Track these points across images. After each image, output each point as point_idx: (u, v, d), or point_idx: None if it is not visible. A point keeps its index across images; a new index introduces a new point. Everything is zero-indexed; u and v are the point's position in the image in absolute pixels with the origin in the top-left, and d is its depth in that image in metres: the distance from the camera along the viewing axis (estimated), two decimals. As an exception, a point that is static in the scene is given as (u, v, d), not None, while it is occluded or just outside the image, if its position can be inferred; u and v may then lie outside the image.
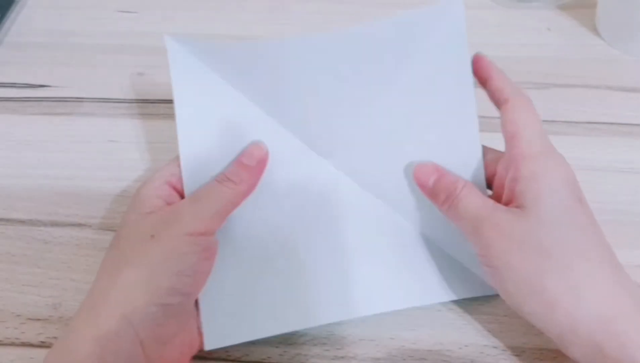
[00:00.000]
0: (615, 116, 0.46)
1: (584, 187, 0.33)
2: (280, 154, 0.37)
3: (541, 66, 0.49)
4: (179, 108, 0.35)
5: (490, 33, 0.52)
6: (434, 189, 0.35)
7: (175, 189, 0.35)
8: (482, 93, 0.35)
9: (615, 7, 0.49)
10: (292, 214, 0.37)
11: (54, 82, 0.50)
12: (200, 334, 0.34)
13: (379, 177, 0.37)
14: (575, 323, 0.29)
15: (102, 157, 0.45)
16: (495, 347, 0.36)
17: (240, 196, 0.35)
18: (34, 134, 0.47)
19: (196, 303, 0.34)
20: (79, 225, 0.42)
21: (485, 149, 0.36)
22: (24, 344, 0.37)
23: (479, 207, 0.33)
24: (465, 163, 0.35)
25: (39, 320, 0.38)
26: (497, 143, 0.35)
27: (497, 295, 0.36)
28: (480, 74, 0.35)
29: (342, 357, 0.36)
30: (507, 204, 0.33)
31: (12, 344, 0.37)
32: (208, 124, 0.36)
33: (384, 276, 0.36)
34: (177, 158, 0.35)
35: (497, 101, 0.35)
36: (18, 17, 0.56)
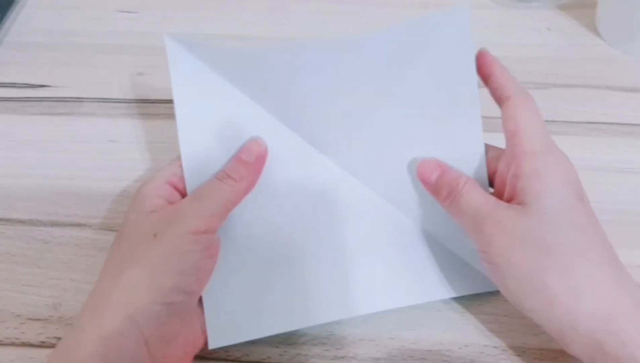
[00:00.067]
0: (615, 116, 0.46)
1: (584, 187, 0.33)
2: (282, 152, 0.37)
3: (541, 66, 0.49)
4: (178, 107, 0.35)
5: (490, 33, 0.52)
6: (437, 185, 0.35)
7: (176, 188, 0.35)
8: (483, 94, 0.35)
9: (615, 7, 0.49)
10: (293, 213, 0.37)
11: (54, 82, 0.50)
12: (203, 332, 0.34)
13: (381, 173, 0.38)
14: (576, 321, 0.29)
15: (102, 157, 0.45)
16: (495, 347, 0.36)
17: (241, 193, 0.35)
18: (34, 134, 0.47)
19: (199, 301, 0.34)
20: (79, 225, 0.42)
21: (487, 147, 0.36)
22: (24, 344, 0.37)
23: (480, 203, 0.33)
24: (468, 161, 0.35)
25: (39, 320, 0.38)
26: (498, 142, 0.35)
27: (497, 295, 0.36)
28: (483, 71, 0.35)
29: (342, 357, 0.36)
30: (508, 201, 0.33)
31: (12, 344, 0.37)
32: (208, 122, 0.36)
33: (385, 274, 0.37)
34: (178, 158, 0.35)
35: (499, 98, 0.35)
36: (18, 17, 0.56)
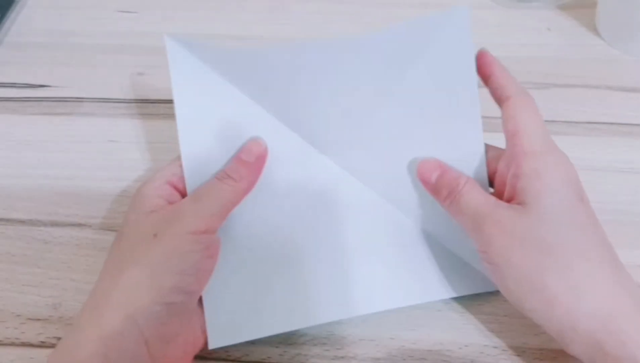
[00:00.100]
0: (615, 116, 0.46)
1: (584, 187, 0.33)
2: (282, 152, 0.37)
3: (541, 66, 0.49)
4: (178, 107, 0.35)
5: (490, 33, 0.52)
6: (437, 185, 0.35)
7: (176, 188, 0.35)
8: (483, 94, 0.35)
9: (615, 7, 0.49)
10: (293, 213, 0.37)
11: (54, 82, 0.50)
12: (203, 332, 0.34)
13: (381, 173, 0.38)
14: (576, 321, 0.29)
15: (102, 157, 0.45)
16: (495, 347, 0.36)
17: (241, 193, 0.35)
18: (34, 134, 0.47)
19: (199, 302, 0.34)
20: (79, 225, 0.42)
21: (487, 147, 0.36)
22: (23, 344, 0.37)
23: (480, 203, 0.33)
24: (468, 161, 0.35)
25: (38, 320, 0.38)
26: (498, 142, 0.35)
27: (497, 295, 0.36)
28: (483, 71, 0.35)
29: (342, 357, 0.36)
30: (508, 201, 0.33)
31: (12, 344, 0.37)
32: (208, 122, 0.36)
33: (385, 274, 0.37)
34: (178, 158, 0.35)
35: (499, 98, 0.35)
36: (18, 17, 0.56)
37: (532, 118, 0.33)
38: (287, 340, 0.36)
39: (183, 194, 0.35)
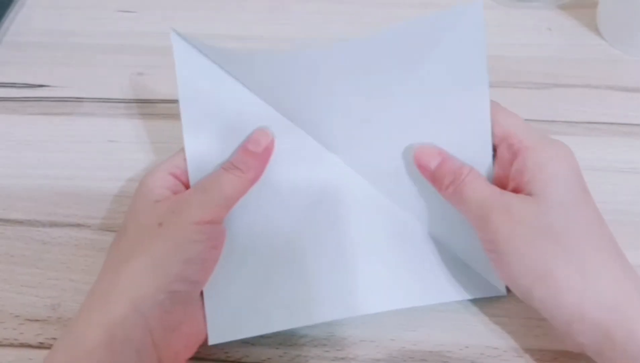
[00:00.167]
0: (616, 116, 0.46)
1: (585, 187, 0.33)
2: (287, 149, 0.37)
3: (541, 66, 0.49)
4: (183, 100, 0.35)
5: (490, 33, 0.51)
6: (436, 173, 0.35)
7: (179, 180, 0.35)
8: (495, 94, 0.35)
9: (616, 7, 0.49)
10: (296, 210, 0.37)
11: (53, 82, 0.50)
12: (206, 324, 0.34)
13: (388, 171, 0.37)
14: (584, 310, 0.29)
15: (102, 157, 0.45)
16: (495, 348, 0.36)
17: (248, 184, 0.35)
18: (34, 134, 0.47)
19: (202, 294, 0.34)
20: (78, 226, 0.42)
21: None
22: (22, 345, 0.37)
23: (486, 192, 0.33)
24: (475, 161, 0.35)
25: (37, 320, 0.37)
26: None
27: (498, 297, 0.36)
28: None
29: (343, 358, 0.36)
30: None
31: (11, 345, 0.37)
32: (212, 115, 0.36)
33: (388, 275, 0.36)
34: (181, 151, 0.36)
35: None
36: (17, 17, 0.56)
37: (513, 118, 0.34)
38: (287, 341, 0.36)
39: (187, 186, 0.35)
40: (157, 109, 0.48)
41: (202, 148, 0.36)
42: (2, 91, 0.50)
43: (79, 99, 0.49)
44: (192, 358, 0.34)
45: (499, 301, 0.36)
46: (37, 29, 0.55)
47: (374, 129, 0.37)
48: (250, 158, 0.35)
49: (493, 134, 0.34)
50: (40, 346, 0.36)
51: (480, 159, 0.35)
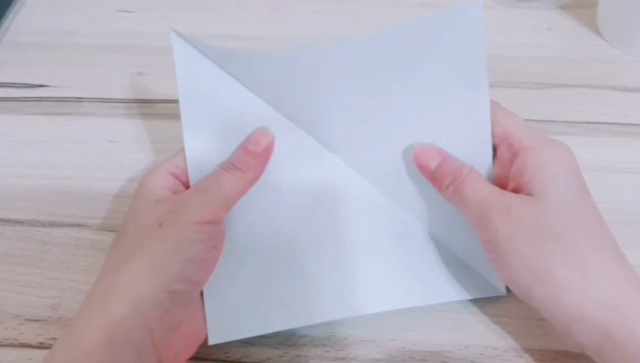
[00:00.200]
0: (616, 116, 0.46)
1: (585, 187, 0.33)
2: (287, 149, 0.37)
3: (541, 66, 0.49)
4: (183, 100, 0.35)
5: (490, 33, 0.51)
6: (436, 173, 0.35)
7: (179, 180, 0.35)
8: (495, 94, 0.35)
9: (616, 7, 0.49)
10: (296, 210, 0.37)
11: (53, 82, 0.50)
12: (206, 325, 0.34)
13: (388, 171, 0.37)
14: (584, 310, 0.29)
15: (102, 157, 0.45)
16: (495, 348, 0.35)
17: (248, 184, 0.35)
18: (34, 134, 0.47)
19: (202, 294, 0.34)
20: (78, 226, 0.42)
21: None
22: (22, 345, 0.37)
23: (486, 192, 0.33)
24: (475, 161, 0.35)
25: (37, 320, 0.37)
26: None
27: (498, 297, 0.36)
28: None
29: (343, 358, 0.36)
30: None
31: (11, 345, 0.37)
32: (213, 116, 0.36)
33: (388, 275, 0.36)
34: (181, 151, 0.36)
35: None
36: (17, 17, 0.56)
37: (513, 118, 0.34)
38: (287, 341, 0.36)
39: (187, 186, 0.35)
40: (157, 109, 0.48)
41: (202, 148, 0.36)
42: (2, 91, 0.50)
43: (79, 99, 0.49)
44: (192, 358, 0.34)
45: (499, 301, 0.36)
46: (37, 29, 0.55)
47: (374, 129, 0.37)
48: (250, 158, 0.35)
49: (493, 134, 0.34)
50: (40, 346, 0.36)
51: (480, 159, 0.35)
